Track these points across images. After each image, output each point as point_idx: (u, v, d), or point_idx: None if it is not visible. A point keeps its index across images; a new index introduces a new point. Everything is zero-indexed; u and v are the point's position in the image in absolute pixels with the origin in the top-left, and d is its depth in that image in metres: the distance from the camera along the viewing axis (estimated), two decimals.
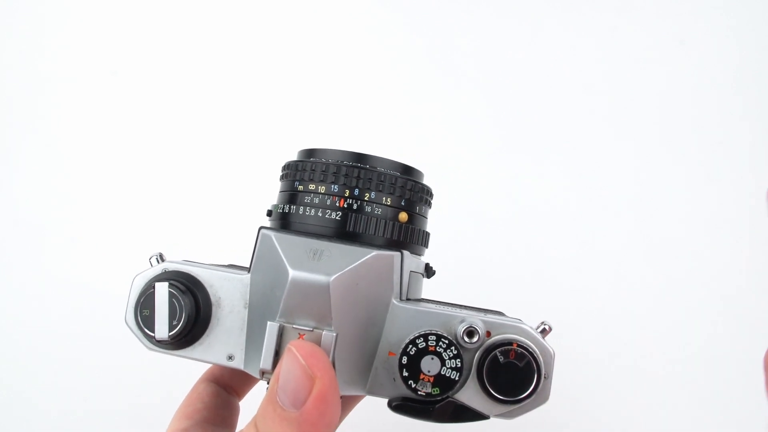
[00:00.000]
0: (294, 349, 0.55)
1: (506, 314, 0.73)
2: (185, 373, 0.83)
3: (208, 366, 0.81)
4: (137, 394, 1.24)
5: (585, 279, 1.29)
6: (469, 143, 1.36)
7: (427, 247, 0.74)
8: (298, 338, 0.60)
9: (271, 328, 0.60)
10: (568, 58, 1.38)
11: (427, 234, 0.73)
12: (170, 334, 0.64)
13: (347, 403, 0.83)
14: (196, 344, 0.66)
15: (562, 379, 0.74)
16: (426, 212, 0.73)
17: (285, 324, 0.60)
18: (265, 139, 1.36)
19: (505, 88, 1.38)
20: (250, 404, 0.80)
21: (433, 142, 1.36)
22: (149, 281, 0.67)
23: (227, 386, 0.81)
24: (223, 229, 1.29)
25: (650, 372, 1.23)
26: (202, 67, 1.40)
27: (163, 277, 0.67)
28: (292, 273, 0.61)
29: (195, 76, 1.40)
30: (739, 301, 1.27)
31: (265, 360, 0.60)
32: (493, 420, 0.64)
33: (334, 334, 0.60)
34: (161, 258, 0.70)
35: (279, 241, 0.64)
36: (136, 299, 0.66)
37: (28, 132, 1.38)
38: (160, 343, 0.65)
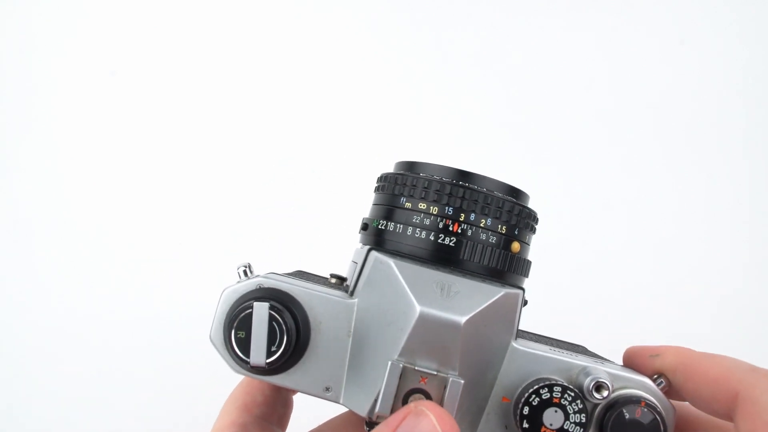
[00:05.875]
0: (434, 418, 0.51)
1: (589, 349, 0.71)
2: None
3: None
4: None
5: (586, 278, 1.28)
6: (470, 143, 1.34)
7: (528, 277, 0.68)
8: (420, 382, 0.55)
9: (393, 369, 0.55)
10: (568, 57, 1.37)
11: (531, 263, 0.68)
12: (268, 360, 0.58)
13: None
14: (291, 371, 0.60)
15: None
16: (531, 240, 0.68)
17: (406, 365, 0.55)
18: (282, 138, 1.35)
19: (506, 88, 1.38)
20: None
21: (431, 142, 1.34)
22: (243, 297, 0.60)
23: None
24: (231, 224, 1.29)
25: None
26: (202, 67, 1.40)
27: (261, 294, 0.60)
28: (421, 309, 0.55)
29: (196, 76, 1.40)
30: (739, 301, 1.29)
31: (384, 404, 0.55)
32: None
33: (462, 382, 0.55)
34: (250, 270, 0.63)
35: (400, 269, 0.58)
36: (227, 316, 0.59)
37: (28, 132, 1.37)
38: (254, 369, 0.59)
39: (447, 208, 0.60)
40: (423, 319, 0.55)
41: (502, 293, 0.58)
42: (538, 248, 1.29)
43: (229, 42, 1.39)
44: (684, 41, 1.38)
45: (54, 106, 1.37)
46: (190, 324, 1.10)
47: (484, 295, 0.58)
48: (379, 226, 0.63)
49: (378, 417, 0.56)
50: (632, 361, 0.65)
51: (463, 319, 0.55)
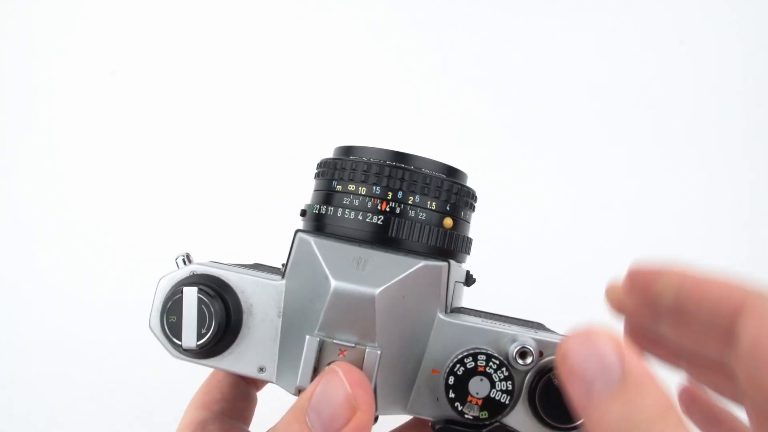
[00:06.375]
0: (341, 372, 0.51)
1: (547, 327, 0.70)
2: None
3: None
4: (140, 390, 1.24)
5: (584, 277, 1.27)
6: (470, 143, 1.33)
7: (469, 254, 0.68)
8: (339, 354, 0.56)
9: (310, 343, 0.56)
10: (568, 57, 1.36)
11: (470, 240, 0.68)
12: (198, 343, 0.59)
13: None
14: (225, 353, 0.61)
15: None
16: (470, 217, 0.68)
17: (325, 339, 0.56)
18: (266, 135, 1.37)
19: (506, 88, 1.38)
20: (266, 396, 0.78)
21: (431, 142, 1.33)
22: (176, 284, 0.61)
23: (246, 377, 0.76)
24: (231, 224, 1.29)
25: None
26: (203, 67, 1.40)
27: (192, 280, 0.61)
28: (335, 284, 0.56)
29: (196, 75, 1.40)
30: None
31: (303, 377, 0.56)
32: None
33: (379, 353, 0.55)
34: (188, 259, 0.64)
35: (319, 247, 0.59)
36: (162, 303, 0.60)
37: (28, 132, 1.38)
38: (187, 352, 0.60)
39: (375, 187, 0.61)
40: (337, 293, 0.56)
41: (420, 265, 0.58)
42: (538, 247, 1.29)
43: (229, 42, 1.40)
44: (684, 41, 1.36)
45: (54, 106, 1.38)
46: None
47: (401, 267, 0.58)
48: (314, 211, 0.64)
49: (301, 391, 0.56)
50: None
51: (376, 291, 0.56)
